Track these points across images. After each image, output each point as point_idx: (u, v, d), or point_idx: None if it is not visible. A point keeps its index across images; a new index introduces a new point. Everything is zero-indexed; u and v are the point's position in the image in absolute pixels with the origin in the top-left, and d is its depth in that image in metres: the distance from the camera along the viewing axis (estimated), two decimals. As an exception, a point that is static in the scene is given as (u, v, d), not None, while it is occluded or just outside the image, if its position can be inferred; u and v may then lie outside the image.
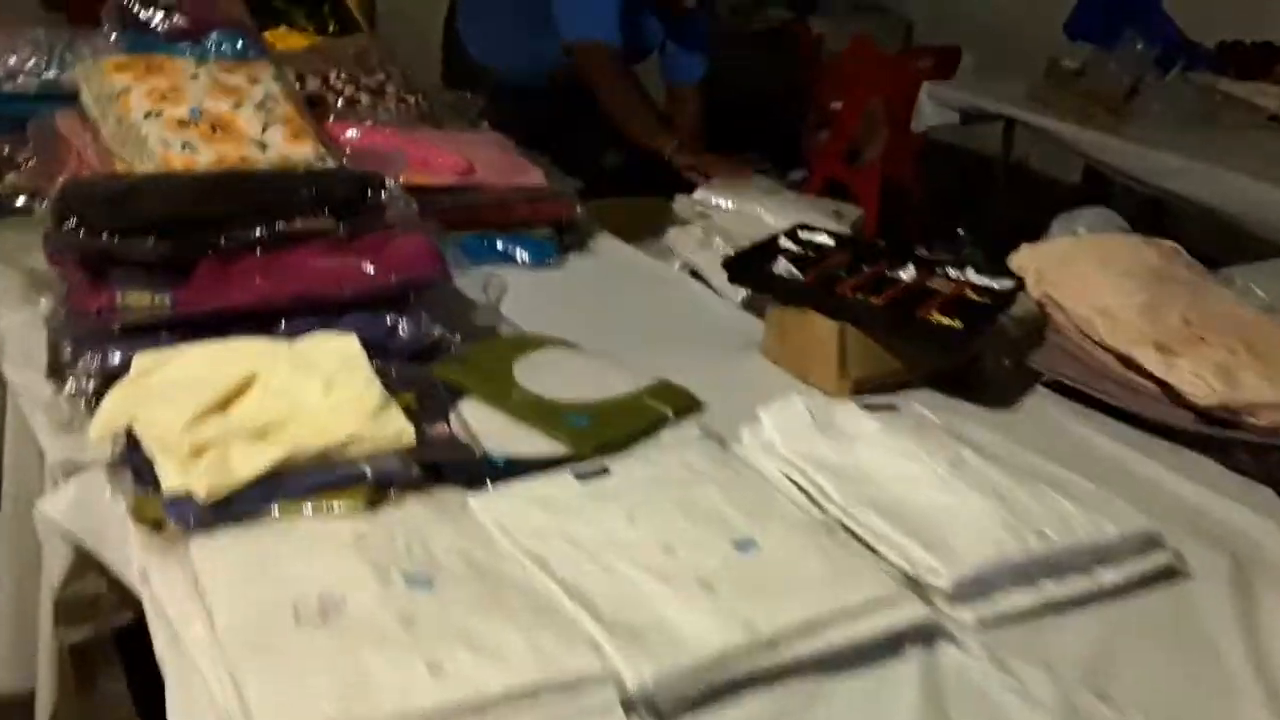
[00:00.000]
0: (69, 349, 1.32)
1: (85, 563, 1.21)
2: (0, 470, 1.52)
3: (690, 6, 2.70)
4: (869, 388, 1.40)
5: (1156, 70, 3.06)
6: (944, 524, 1.03)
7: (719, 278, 2.20)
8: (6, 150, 1.79)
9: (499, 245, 1.85)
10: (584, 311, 1.73)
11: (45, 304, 1.45)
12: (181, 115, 1.64)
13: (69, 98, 1.86)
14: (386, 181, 1.50)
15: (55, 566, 1.22)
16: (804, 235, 1.61)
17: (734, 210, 2.11)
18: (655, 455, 1.22)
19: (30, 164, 1.75)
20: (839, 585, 0.99)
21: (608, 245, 1.99)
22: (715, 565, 1.00)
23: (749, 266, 1.54)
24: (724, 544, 1.04)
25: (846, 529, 1.07)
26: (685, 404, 1.38)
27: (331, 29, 2.51)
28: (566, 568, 0.98)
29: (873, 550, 1.04)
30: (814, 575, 1.00)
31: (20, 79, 1.87)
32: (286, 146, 1.67)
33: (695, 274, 2.21)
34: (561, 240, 1.91)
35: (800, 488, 1.13)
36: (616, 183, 2.69)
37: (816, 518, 1.10)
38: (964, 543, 1.01)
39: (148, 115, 1.63)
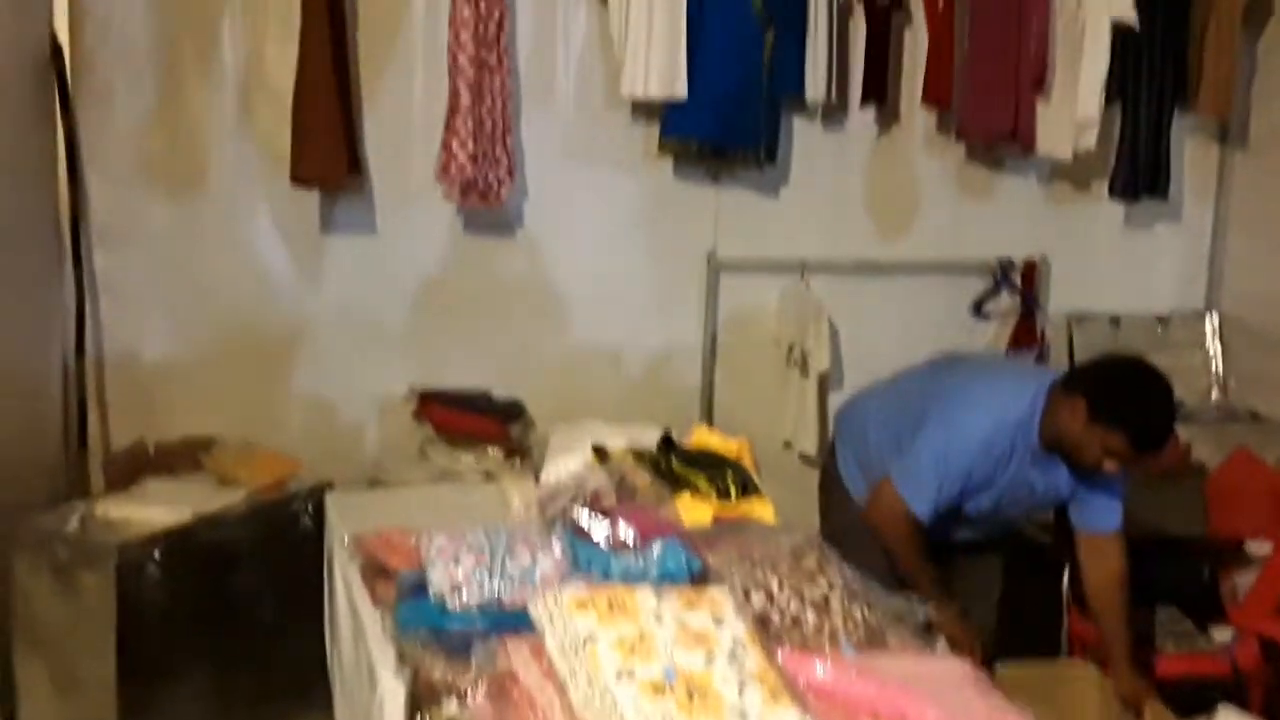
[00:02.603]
0: None
1: None
2: None
3: (1112, 471, 2.46)
4: None
5: None
6: None
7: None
8: (449, 677, 1.68)
9: (990, 822, 1.54)
10: None
11: None
12: (655, 678, 1.47)
13: (512, 616, 1.76)
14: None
15: None
16: None
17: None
18: None
19: (475, 699, 1.61)
20: None
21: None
22: None
23: None
24: None
25: None
26: None
27: (734, 495, 2.40)
28: None
29: None
30: None
31: (464, 593, 1.79)
32: (767, 710, 1.47)
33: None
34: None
35: None
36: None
37: None
38: None
39: (619, 676, 1.48)
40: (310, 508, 3.02)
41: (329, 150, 3.24)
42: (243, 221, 3.57)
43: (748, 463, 2.58)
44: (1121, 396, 2.45)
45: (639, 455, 2.47)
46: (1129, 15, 3.66)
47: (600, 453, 2.49)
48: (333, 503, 2.65)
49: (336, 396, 3.78)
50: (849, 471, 2.88)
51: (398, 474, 3.60)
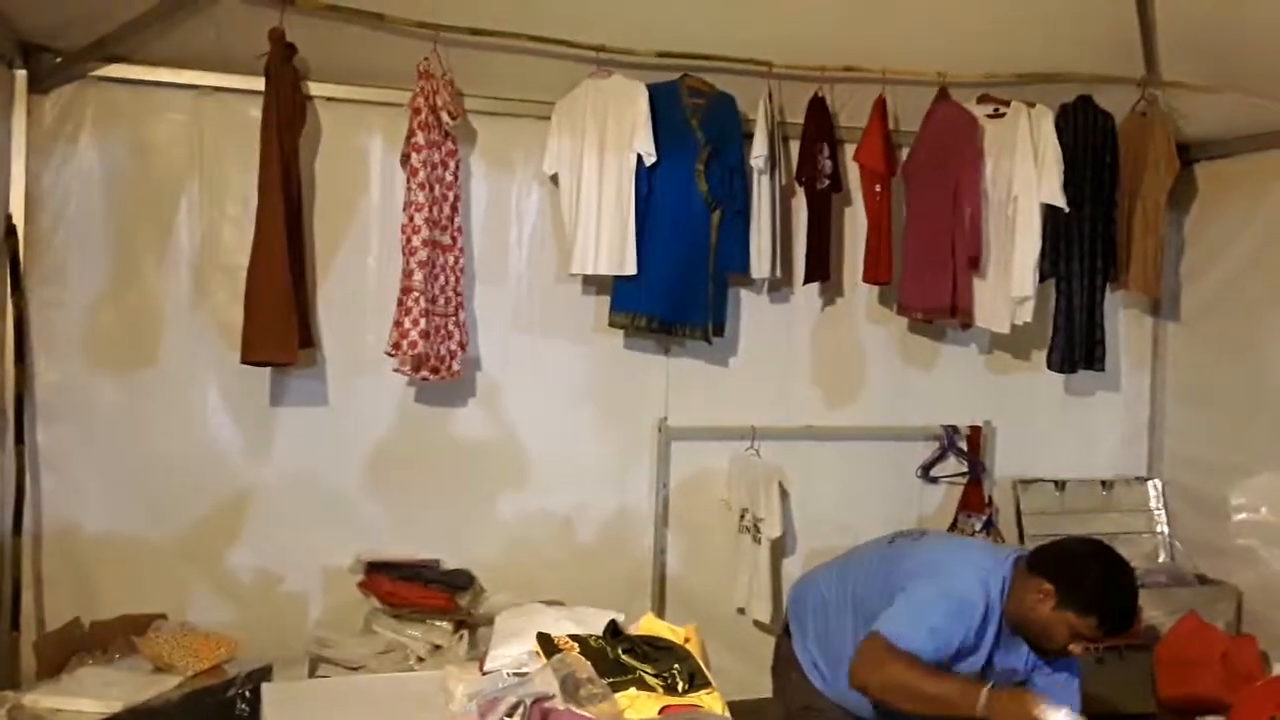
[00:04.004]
0: None
1: None
2: None
3: (1076, 653, 2.48)
4: None
5: None
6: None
7: None
8: None
9: None
10: None
11: None
12: None
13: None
14: None
15: None
16: None
17: None
18: None
19: None
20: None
21: None
22: None
23: None
24: None
25: None
26: None
27: (681, 687, 2.36)
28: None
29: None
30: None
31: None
32: None
33: None
34: None
35: None
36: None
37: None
38: None
39: None
40: (247, 694, 2.94)
41: (281, 333, 3.27)
42: (192, 397, 3.59)
43: (696, 650, 2.55)
44: (1090, 581, 2.47)
45: (585, 645, 2.44)
46: (1058, 198, 3.83)
47: (545, 641, 2.45)
48: (269, 694, 2.57)
49: (282, 568, 3.73)
50: (805, 652, 2.84)
51: (342, 649, 3.53)
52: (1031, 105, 3.89)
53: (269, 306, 3.26)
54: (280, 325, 3.26)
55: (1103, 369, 4.17)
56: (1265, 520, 4.14)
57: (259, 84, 3.38)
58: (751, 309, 4.16)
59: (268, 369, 3.54)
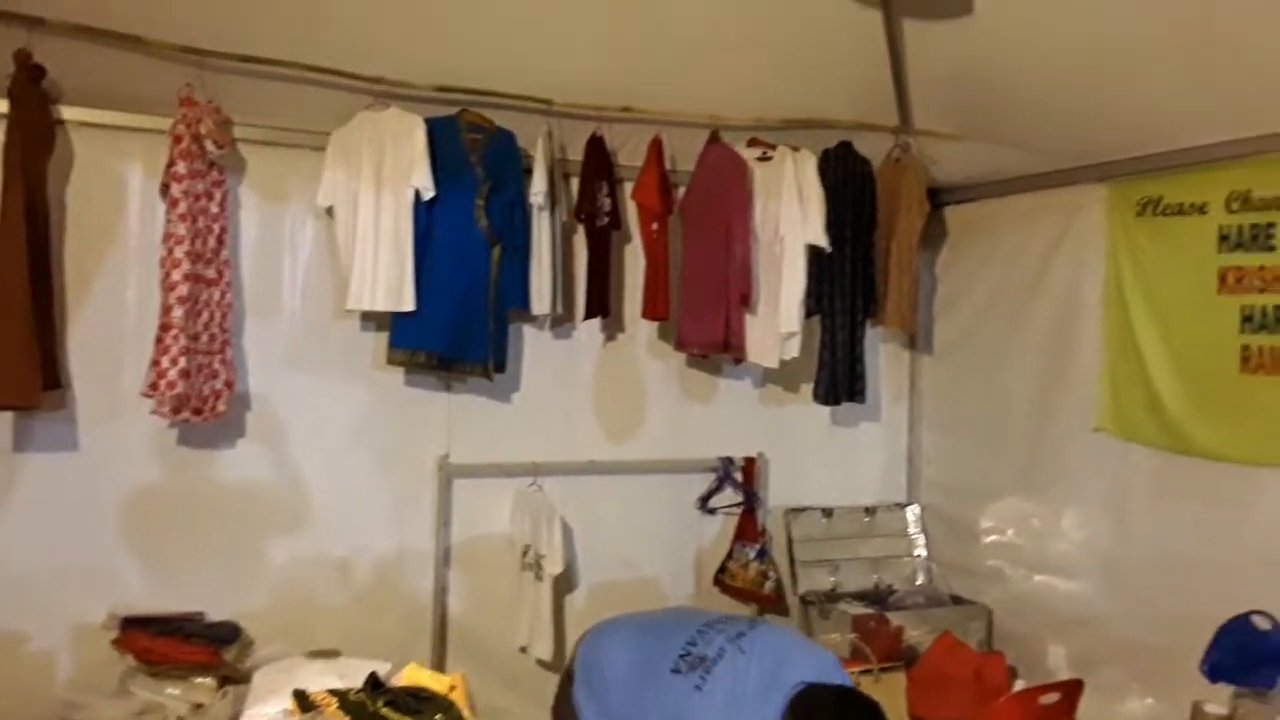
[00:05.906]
0: None
1: None
2: None
3: None
4: None
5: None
6: None
7: None
8: None
9: None
10: None
11: None
12: None
13: None
14: None
15: None
16: None
17: None
18: None
19: None
20: None
21: None
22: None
23: None
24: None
25: None
26: None
27: (445, 734, 2.35)
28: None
29: None
30: None
31: None
32: None
33: None
34: None
35: None
36: None
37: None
38: None
39: None
40: (-22, 768, 2.70)
41: (21, 373, 3.03)
42: (-83, 443, 3.30)
43: (461, 698, 2.54)
44: None
45: (344, 699, 2.38)
46: (821, 239, 4.02)
47: (301, 698, 2.38)
48: (0, 766, 2.38)
49: (27, 627, 3.47)
50: (589, 711, 2.80)
51: (93, 711, 3.31)
52: (796, 149, 4.06)
53: (8, 345, 3.02)
54: (20, 365, 3.03)
55: (864, 401, 4.39)
56: (1011, 541, 4.43)
57: (3, 107, 3.16)
58: (534, 345, 4.17)
59: (8, 413, 3.29)
